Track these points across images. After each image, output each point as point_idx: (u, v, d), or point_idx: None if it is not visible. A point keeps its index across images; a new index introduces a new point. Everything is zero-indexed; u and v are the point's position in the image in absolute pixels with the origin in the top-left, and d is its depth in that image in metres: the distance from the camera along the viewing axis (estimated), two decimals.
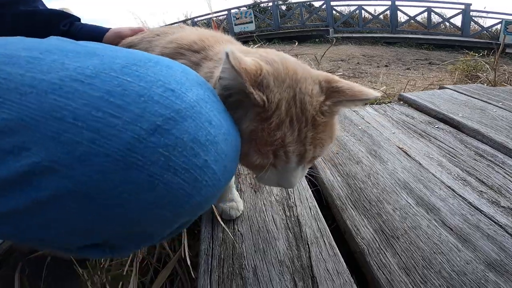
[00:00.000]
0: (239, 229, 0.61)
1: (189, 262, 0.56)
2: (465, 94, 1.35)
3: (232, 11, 7.71)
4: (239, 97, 0.34)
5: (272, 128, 0.34)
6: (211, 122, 0.29)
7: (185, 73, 0.31)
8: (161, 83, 0.27)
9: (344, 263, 0.52)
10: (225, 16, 7.81)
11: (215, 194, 0.31)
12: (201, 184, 0.28)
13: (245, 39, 3.71)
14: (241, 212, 0.64)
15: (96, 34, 0.70)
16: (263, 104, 0.33)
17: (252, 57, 0.35)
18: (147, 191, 0.25)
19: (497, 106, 1.19)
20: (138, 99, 0.25)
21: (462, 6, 5.93)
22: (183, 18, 8.11)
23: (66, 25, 0.66)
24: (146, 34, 0.59)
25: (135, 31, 0.69)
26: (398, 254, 0.54)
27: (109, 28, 0.71)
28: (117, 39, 0.69)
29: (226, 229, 0.59)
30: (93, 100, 0.24)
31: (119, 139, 0.24)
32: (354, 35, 6.47)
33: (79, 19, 0.71)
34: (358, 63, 3.88)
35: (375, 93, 0.37)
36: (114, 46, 0.32)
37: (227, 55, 0.31)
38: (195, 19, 7.71)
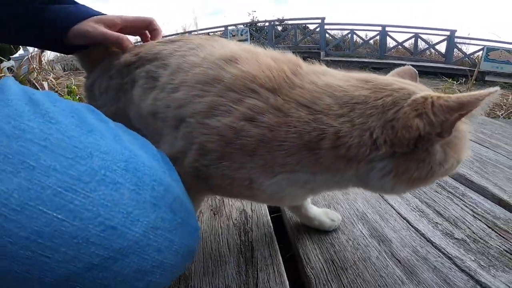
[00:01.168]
0: None
1: None
2: None
3: (229, 28, 7.95)
4: None
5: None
6: (160, 250, 0.29)
7: (137, 191, 0.29)
8: (101, 219, 0.26)
9: None
10: (222, 31, 8.03)
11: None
12: None
13: None
14: None
15: (63, 25, 0.52)
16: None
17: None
18: None
19: None
20: (70, 241, 0.24)
21: (448, 33, 6.22)
22: (181, 31, 8.29)
23: (44, 2, 0.53)
24: (179, 45, 0.49)
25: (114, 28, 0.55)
26: (344, 286, 0.54)
27: (94, 16, 0.53)
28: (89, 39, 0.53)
29: None
30: (19, 241, 0.23)
31: (52, 273, 0.24)
32: (343, 59, 6.72)
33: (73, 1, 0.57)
34: None
35: None
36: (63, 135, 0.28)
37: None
38: (193, 33, 7.88)
